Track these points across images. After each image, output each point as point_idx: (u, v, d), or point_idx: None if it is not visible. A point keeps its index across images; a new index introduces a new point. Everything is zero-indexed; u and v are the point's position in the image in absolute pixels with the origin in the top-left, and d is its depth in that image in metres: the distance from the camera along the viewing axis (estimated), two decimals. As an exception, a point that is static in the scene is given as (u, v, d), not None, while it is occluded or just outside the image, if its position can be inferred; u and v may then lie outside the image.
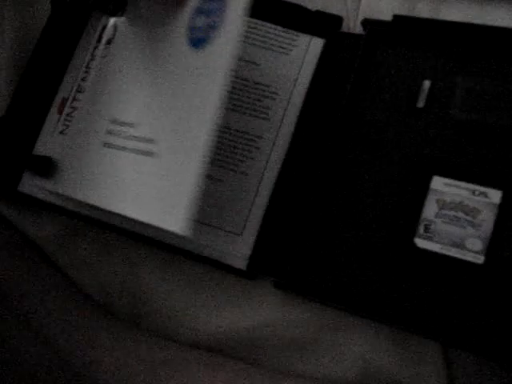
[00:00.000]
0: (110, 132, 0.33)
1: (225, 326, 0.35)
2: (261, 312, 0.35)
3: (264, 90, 0.36)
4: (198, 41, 0.29)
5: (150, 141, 0.30)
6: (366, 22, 0.36)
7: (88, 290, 0.38)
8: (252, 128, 0.35)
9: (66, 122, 0.37)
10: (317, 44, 0.36)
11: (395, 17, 0.35)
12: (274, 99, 0.35)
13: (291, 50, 0.36)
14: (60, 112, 0.38)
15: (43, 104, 0.39)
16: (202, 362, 0.35)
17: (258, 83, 0.36)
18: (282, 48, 0.36)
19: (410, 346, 0.33)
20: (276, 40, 0.36)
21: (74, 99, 0.38)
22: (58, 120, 0.38)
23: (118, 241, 0.37)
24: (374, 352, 0.33)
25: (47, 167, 0.37)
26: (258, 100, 0.36)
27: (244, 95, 0.36)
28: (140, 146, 0.31)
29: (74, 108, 0.37)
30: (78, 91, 0.38)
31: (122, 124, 0.33)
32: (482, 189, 0.32)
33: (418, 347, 0.33)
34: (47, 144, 0.38)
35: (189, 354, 0.36)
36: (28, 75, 0.39)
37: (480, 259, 0.31)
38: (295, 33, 0.37)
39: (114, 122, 0.33)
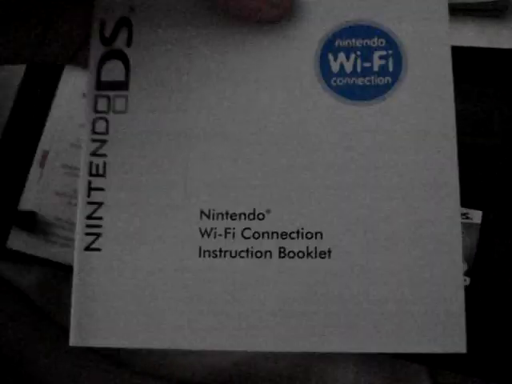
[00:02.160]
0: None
1: (216, 361, 0.35)
2: None
3: None
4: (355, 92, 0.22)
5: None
6: None
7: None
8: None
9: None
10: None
11: None
12: None
13: None
14: (42, 165, 0.39)
15: (25, 158, 0.39)
16: None
17: None
18: None
19: (398, 371, 0.33)
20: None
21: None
22: (41, 174, 0.38)
23: None
24: (363, 379, 0.33)
25: (32, 222, 0.37)
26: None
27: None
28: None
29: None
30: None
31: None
32: (463, 210, 0.32)
33: (405, 372, 0.33)
34: (31, 198, 0.38)
35: None
36: (8, 131, 0.40)
37: (466, 281, 0.31)
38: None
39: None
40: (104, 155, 0.21)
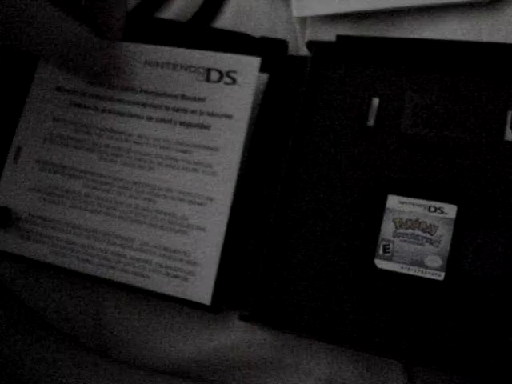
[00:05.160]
0: None
1: (189, 350, 0.35)
2: (223, 335, 0.35)
3: None
4: None
5: None
6: (311, 44, 0.36)
7: (53, 322, 0.38)
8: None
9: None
10: (262, 77, 0.36)
11: (338, 37, 0.35)
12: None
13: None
14: (16, 161, 0.38)
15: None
16: None
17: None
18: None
19: (373, 365, 0.33)
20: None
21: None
22: (14, 169, 0.38)
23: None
24: (337, 372, 0.33)
25: (6, 218, 0.36)
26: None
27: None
28: None
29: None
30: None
31: None
32: (438, 204, 0.32)
33: (380, 367, 0.33)
34: (5, 194, 0.38)
35: (156, 380, 0.36)
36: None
37: (440, 276, 0.31)
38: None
39: None
40: None
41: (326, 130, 0.35)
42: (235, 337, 0.35)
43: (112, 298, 0.37)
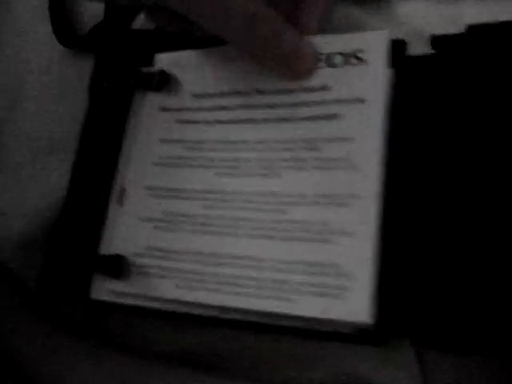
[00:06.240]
0: None
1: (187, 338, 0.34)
2: None
3: None
4: None
5: None
6: (436, 39, 0.30)
7: None
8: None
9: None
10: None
11: (471, 27, 0.29)
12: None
13: None
14: (120, 203, 0.34)
15: (100, 197, 0.35)
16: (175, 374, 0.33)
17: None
18: None
19: (385, 350, 0.29)
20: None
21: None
22: (118, 212, 0.34)
23: None
24: (350, 356, 0.30)
25: (120, 266, 0.32)
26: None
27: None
28: None
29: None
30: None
31: None
32: None
33: (392, 351, 0.29)
34: (115, 239, 0.33)
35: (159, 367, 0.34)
36: (78, 170, 0.36)
37: None
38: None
39: None
40: None
41: (468, 138, 0.29)
42: None
43: None
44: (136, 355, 0.34)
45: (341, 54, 0.30)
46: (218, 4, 0.28)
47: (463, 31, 0.29)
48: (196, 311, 0.31)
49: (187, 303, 0.30)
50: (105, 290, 0.32)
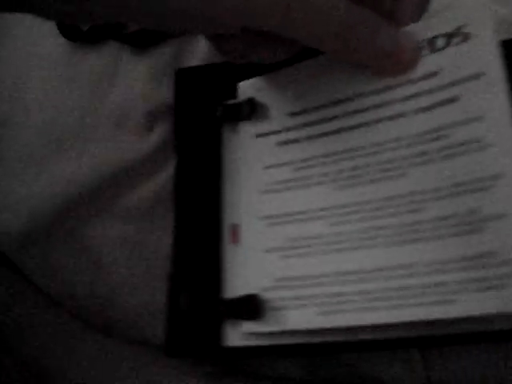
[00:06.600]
0: None
1: None
2: None
3: None
4: None
5: None
6: None
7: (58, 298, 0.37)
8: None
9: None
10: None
11: None
12: None
13: None
14: (235, 240, 0.32)
15: (209, 242, 0.33)
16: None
17: None
18: None
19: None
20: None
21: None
22: (236, 251, 0.32)
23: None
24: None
25: (258, 306, 0.30)
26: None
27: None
28: None
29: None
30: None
31: None
32: None
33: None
34: (240, 279, 0.31)
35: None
36: (181, 221, 0.34)
37: None
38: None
39: None
40: None
41: None
42: None
43: None
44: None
45: (443, 35, 0.28)
46: (315, 17, 0.26)
47: None
48: (340, 338, 0.28)
49: (331, 330, 0.28)
50: (240, 334, 0.30)
